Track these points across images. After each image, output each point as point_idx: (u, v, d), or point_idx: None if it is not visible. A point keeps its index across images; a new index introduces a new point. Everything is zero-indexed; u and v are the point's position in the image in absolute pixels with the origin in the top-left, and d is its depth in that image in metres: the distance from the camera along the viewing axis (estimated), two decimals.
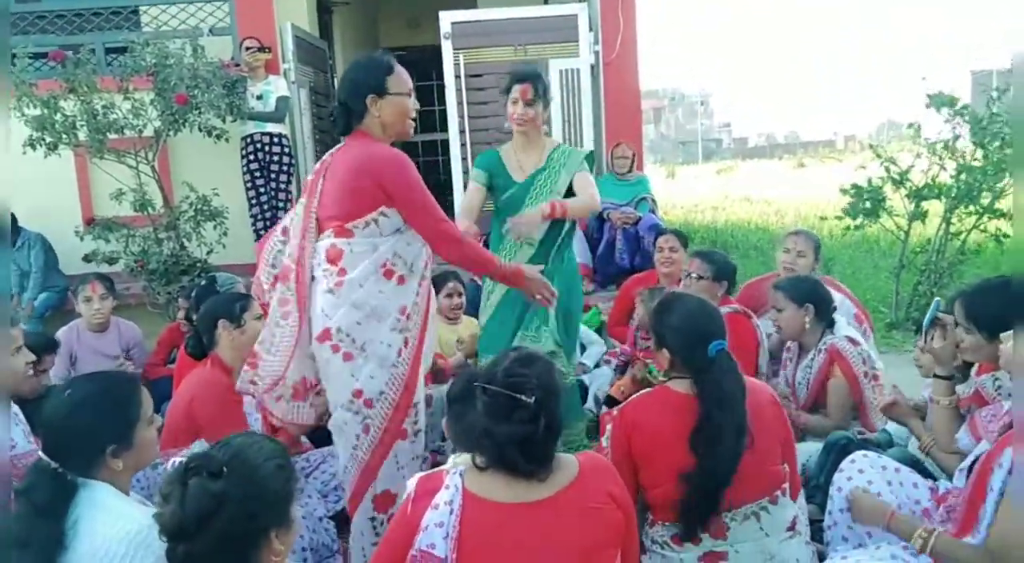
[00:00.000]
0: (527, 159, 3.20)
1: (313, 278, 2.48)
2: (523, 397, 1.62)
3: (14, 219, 5.79)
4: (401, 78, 2.51)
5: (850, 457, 2.40)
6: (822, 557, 2.32)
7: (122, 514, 1.71)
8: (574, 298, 3.33)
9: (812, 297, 3.11)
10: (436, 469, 1.82)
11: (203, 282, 3.92)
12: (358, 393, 2.41)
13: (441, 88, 6.35)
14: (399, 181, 2.40)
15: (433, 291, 2.67)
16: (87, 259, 5.59)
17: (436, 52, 6.31)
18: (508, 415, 1.63)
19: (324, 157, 2.60)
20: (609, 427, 2.23)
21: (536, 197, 3.17)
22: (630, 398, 2.29)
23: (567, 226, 3.22)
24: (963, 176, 5.27)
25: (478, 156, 3.34)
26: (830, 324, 3.13)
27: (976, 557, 1.84)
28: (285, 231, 2.60)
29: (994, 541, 1.80)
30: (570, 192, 3.19)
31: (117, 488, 1.79)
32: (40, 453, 1.79)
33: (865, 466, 2.33)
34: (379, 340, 2.41)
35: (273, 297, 2.51)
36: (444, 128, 6.32)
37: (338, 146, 2.60)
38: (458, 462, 1.80)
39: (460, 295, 4.05)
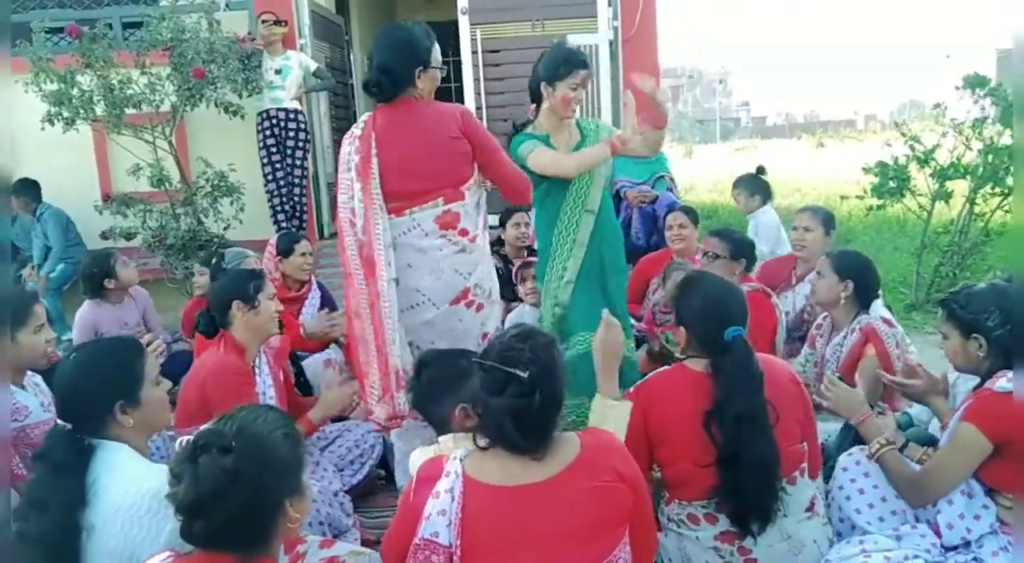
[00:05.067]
0: (562, 138, 3.12)
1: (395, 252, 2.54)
2: (516, 371, 1.61)
3: (37, 190, 5.86)
4: (437, 50, 2.59)
5: (848, 451, 2.40)
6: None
7: (142, 472, 1.76)
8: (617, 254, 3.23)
9: (855, 275, 3.00)
10: (436, 454, 1.81)
11: (213, 260, 3.92)
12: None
13: (458, 64, 6.30)
14: (478, 127, 2.58)
15: None
16: (104, 236, 5.64)
17: (453, 27, 6.25)
18: (502, 389, 1.62)
19: (356, 132, 2.54)
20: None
21: (599, 169, 3.10)
22: (646, 376, 2.28)
23: (608, 221, 3.18)
24: (990, 157, 5.17)
25: (525, 138, 3.06)
26: (866, 305, 3.07)
27: (908, 478, 2.16)
28: (352, 224, 2.53)
29: (921, 474, 2.14)
30: None
31: (134, 448, 1.84)
32: (56, 420, 1.84)
33: (862, 458, 2.33)
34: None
35: (369, 292, 2.50)
36: (461, 104, 6.27)
37: (367, 118, 2.55)
38: (443, 444, 1.80)
39: None
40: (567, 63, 2.98)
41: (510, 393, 1.61)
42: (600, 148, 2.98)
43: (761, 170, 5.53)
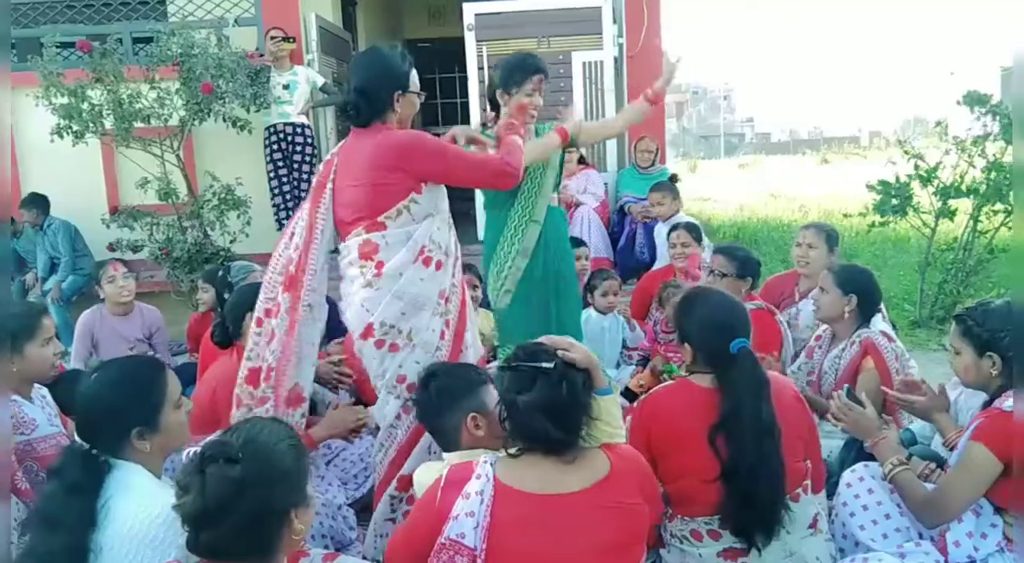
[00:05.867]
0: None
1: (325, 279, 2.49)
2: (543, 364, 1.68)
3: (46, 204, 5.92)
4: (415, 74, 2.54)
5: (852, 468, 2.41)
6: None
7: (154, 496, 1.74)
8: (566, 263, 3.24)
9: (859, 289, 3.01)
10: (468, 458, 1.82)
11: (219, 272, 3.93)
12: (401, 378, 2.43)
13: (464, 80, 6.35)
14: (425, 159, 2.39)
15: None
16: (112, 248, 5.68)
17: (459, 44, 6.30)
18: (531, 385, 1.68)
19: (328, 157, 2.56)
20: (629, 420, 2.22)
21: (535, 178, 3.11)
22: (650, 391, 2.28)
23: (557, 234, 3.20)
24: (992, 174, 5.18)
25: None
26: (867, 319, 3.06)
27: (921, 499, 2.14)
28: (292, 236, 2.53)
29: (935, 495, 2.13)
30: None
31: (149, 469, 1.83)
32: (75, 434, 1.84)
33: (866, 475, 2.35)
34: (424, 327, 2.42)
35: (282, 305, 2.45)
36: (467, 121, 6.31)
37: (342, 144, 2.56)
38: (448, 461, 1.82)
39: (475, 287, 4.04)
40: (522, 70, 3.01)
41: (539, 386, 1.67)
42: (550, 136, 2.99)
43: (675, 178, 5.77)
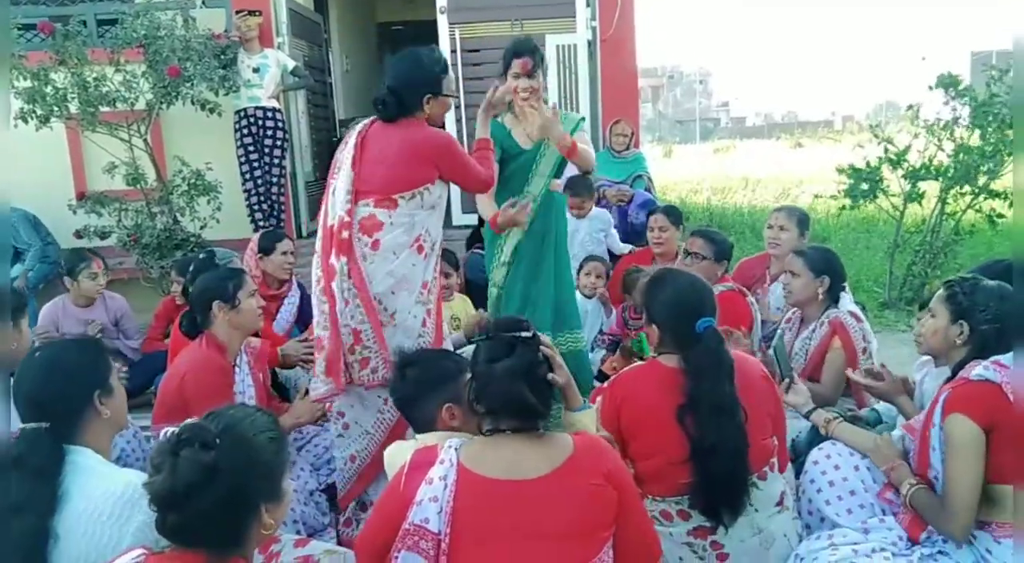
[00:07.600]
0: (531, 128, 3.19)
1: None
2: (522, 333, 1.77)
3: None
4: (451, 78, 2.69)
5: (819, 446, 2.45)
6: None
7: (107, 475, 1.75)
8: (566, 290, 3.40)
9: (830, 270, 3.05)
10: (432, 442, 1.82)
11: (201, 256, 3.88)
12: (387, 363, 2.50)
13: None
14: (454, 162, 2.63)
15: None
16: (79, 235, 5.58)
17: (432, 27, 6.25)
18: (510, 351, 1.74)
19: (359, 127, 2.66)
20: (599, 399, 2.23)
21: (544, 163, 3.21)
22: (620, 371, 2.30)
23: (557, 217, 3.32)
24: (961, 157, 5.25)
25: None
26: (835, 299, 3.09)
27: (937, 507, 2.06)
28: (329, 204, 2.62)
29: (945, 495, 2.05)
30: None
31: (98, 452, 1.82)
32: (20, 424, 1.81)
33: (832, 452, 2.39)
34: (407, 311, 2.57)
35: (337, 269, 2.51)
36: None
37: (371, 120, 2.66)
38: (422, 441, 1.84)
39: (448, 276, 4.03)
40: (506, 55, 3.15)
41: (518, 352, 1.73)
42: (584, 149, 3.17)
43: (588, 172, 5.64)
